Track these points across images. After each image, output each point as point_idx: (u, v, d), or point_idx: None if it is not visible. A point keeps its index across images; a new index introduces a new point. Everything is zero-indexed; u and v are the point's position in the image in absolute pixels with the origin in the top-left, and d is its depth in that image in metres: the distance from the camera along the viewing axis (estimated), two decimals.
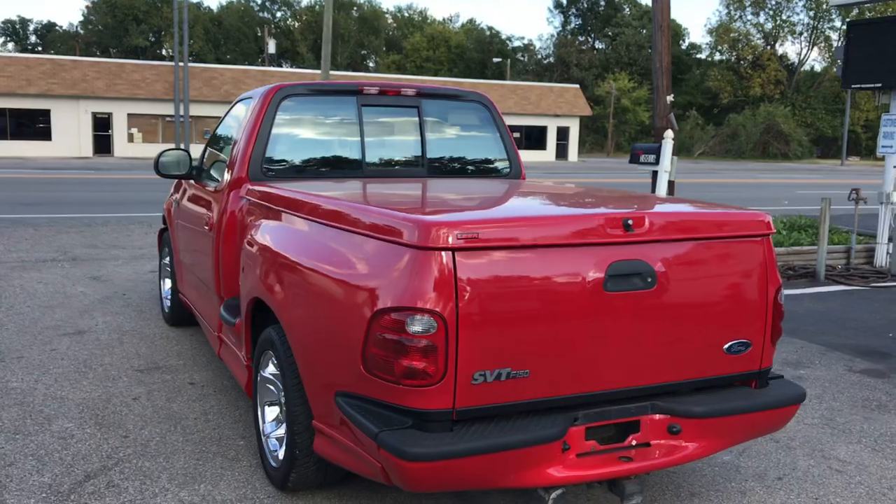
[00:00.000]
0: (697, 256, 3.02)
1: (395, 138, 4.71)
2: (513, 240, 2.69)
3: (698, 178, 33.36)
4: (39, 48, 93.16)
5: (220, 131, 5.15)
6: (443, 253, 2.58)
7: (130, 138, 40.57)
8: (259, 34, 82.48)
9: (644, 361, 2.94)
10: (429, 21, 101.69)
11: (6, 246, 9.82)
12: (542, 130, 51.91)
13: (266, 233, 3.68)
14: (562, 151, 52.98)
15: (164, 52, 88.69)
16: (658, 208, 3.18)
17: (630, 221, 2.84)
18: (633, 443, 2.95)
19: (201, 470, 3.64)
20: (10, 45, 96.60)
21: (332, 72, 46.07)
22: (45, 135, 39.56)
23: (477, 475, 2.70)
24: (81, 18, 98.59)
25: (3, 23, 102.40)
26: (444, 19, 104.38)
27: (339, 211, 3.13)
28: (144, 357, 5.29)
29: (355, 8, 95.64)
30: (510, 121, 50.08)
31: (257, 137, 4.29)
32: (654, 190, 10.74)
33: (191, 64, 41.95)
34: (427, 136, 4.70)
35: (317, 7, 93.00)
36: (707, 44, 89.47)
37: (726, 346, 3.08)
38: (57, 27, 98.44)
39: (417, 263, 2.60)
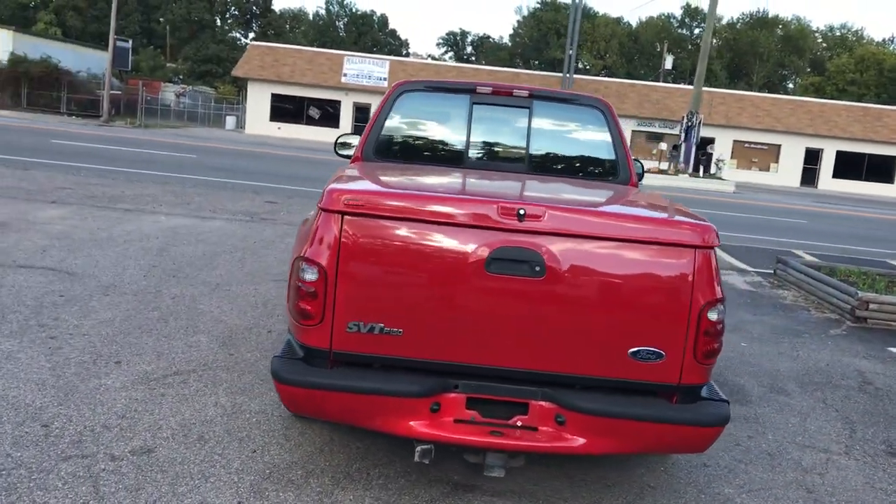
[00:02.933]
0: (602, 255, 3.06)
1: (502, 135, 5.06)
2: (396, 210, 3.06)
3: None
4: (473, 58, 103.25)
5: None
6: (334, 215, 3.06)
7: None
8: (658, 49, 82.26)
9: (536, 347, 3.08)
10: (864, 41, 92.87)
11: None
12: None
13: None
14: None
15: (579, 64, 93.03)
16: (570, 204, 3.25)
17: (522, 211, 3.02)
18: (518, 423, 3.11)
19: (252, 387, 4.45)
20: (449, 55, 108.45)
21: (721, 90, 44.81)
22: None
23: (341, 409, 3.13)
24: (511, 31, 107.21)
25: (446, 34, 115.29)
26: (882, 40, 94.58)
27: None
28: None
29: (780, 26, 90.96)
30: (849, 147, 44.10)
31: (374, 125, 4.98)
32: None
33: (577, 76, 43.77)
34: (533, 135, 4.98)
35: (738, 24, 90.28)
36: None
37: (631, 350, 3.07)
38: (490, 39, 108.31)
39: (317, 222, 3.12)
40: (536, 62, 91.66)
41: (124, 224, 9.06)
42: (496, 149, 5.03)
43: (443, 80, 5.19)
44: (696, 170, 33.16)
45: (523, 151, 4.98)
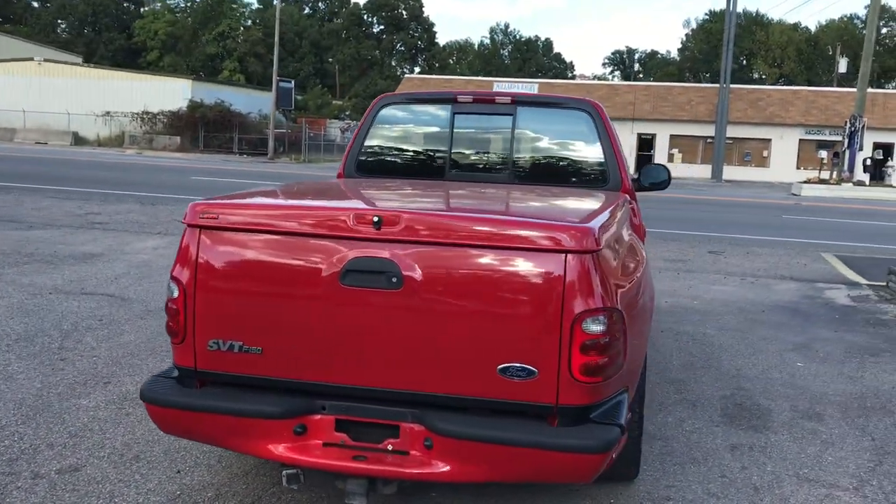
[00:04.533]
0: (463, 262, 2.79)
1: (484, 145, 4.82)
2: (251, 224, 2.95)
3: None
4: (640, 75, 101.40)
5: None
6: (193, 230, 3.00)
7: (671, 158, 42.02)
8: (831, 53, 76.95)
9: (402, 365, 2.86)
10: None
11: None
12: None
13: None
14: None
15: (753, 74, 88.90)
16: (426, 210, 3.01)
17: (377, 218, 2.82)
18: (389, 448, 2.90)
19: None
20: (616, 73, 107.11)
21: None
22: None
23: (200, 430, 3.03)
24: (679, 45, 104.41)
25: (612, 53, 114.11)
26: None
27: None
28: None
29: None
30: None
31: (355, 140, 4.90)
32: None
33: (735, 86, 41.67)
34: (517, 143, 4.72)
35: None
36: None
37: (500, 367, 2.78)
38: (658, 55, 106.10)
39: (181, 238, 3.06)
40: (707, 74, 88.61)
41: None
42: (478, 159, 4.80)
43: (424, 92, 5.05)
44: (870, 178, 30.63)
45: (506, 160, 4.73)
